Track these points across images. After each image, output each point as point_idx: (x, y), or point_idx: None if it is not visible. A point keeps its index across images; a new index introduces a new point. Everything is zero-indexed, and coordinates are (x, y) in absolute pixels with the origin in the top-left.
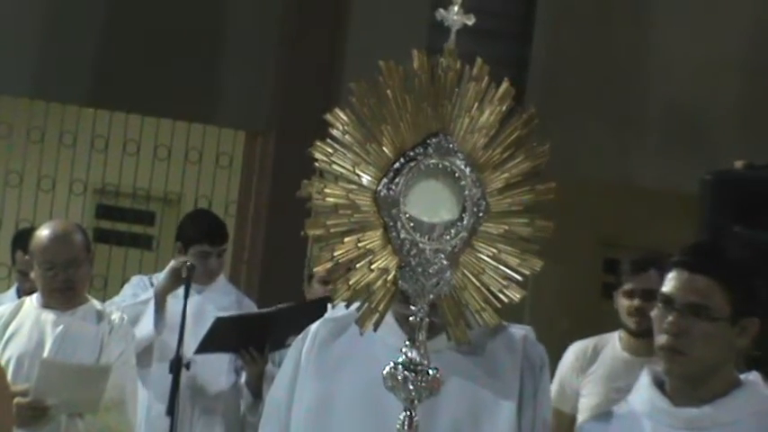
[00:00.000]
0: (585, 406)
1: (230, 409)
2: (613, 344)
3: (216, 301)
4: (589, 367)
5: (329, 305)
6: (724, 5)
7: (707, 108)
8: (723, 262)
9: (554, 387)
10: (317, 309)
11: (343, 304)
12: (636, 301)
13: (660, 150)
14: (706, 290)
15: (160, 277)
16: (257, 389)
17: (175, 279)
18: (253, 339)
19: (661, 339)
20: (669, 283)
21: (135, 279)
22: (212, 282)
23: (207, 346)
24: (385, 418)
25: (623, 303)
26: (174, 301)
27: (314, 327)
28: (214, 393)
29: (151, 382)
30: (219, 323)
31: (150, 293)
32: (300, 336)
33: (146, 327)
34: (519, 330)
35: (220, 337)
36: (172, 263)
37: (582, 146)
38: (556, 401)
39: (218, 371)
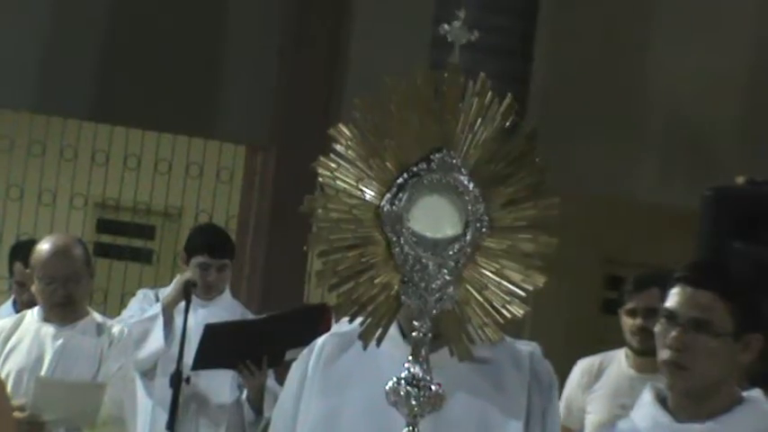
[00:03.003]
0: (591, 423)
1: (234, 423)
2: (620, 361)
3: (220, 316)
4: (594, 384)
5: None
6: (725, 23)
7: (709, 125)
8: (726, 278)
9: (561, 404)
10: (309, 318)
11: (346, 319)
12: (638, 320)
13: (662, 167)
14: (709, 305)
15: (167, 290)
16: (258, 404)
17: (184, 291)
18: (248, 351)
19: (664, 354)
20: (672, 299)
21: (140, 294)
22: (214, 296)
23: (202, 359)
24: None
25: (627, 322)
26: (178, 317)
27: (320, 341)
28: (218, 407)
29: (155, 395)
30: (210, 330)
31: (158, 308)
32: (306, 349)
33: (156, 341)
34: (525, 347)
35: (214, 348)
36: (180, 275)
37: (584, 162)
38: (563, 419)
39: (221, 385)
